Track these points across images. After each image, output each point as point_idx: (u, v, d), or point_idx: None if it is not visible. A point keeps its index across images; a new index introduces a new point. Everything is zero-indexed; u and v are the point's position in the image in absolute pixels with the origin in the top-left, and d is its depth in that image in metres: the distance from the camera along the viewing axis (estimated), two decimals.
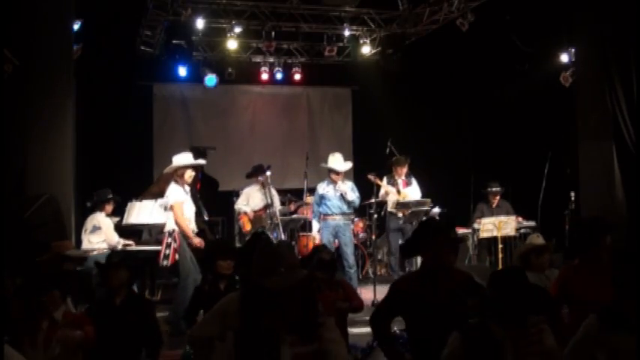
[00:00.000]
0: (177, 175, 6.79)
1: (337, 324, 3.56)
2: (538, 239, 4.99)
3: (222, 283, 4.72)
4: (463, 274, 3.76)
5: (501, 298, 3.00)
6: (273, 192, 8.82)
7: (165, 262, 6.57)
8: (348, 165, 8.47)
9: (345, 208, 8.26)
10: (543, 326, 3.00)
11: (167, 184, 6.96)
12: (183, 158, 6.89)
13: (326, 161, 8.37)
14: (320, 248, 5.04)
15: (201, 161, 7.25)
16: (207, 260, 5.03)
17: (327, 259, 4.71)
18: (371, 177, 8.58)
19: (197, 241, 6.60)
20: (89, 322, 4.05)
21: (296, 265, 2.91)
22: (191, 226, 6.80)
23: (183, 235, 6.62)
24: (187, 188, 6.88)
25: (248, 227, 8.70)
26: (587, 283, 3.99)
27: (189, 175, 6.85)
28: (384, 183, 8.81)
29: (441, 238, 3.68)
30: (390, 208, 8.92)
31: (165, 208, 6.88)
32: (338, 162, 8.29)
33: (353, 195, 8.25)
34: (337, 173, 8.22)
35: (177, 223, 6.63)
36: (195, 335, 3.45)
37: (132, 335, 4.32)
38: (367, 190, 8.82)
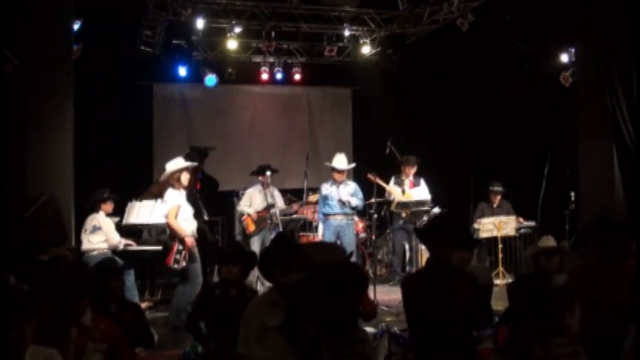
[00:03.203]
0: (173, 179, 6.89)
1: None
2: (548, 241, 4.93)
3: (232, 289, 4.36)
4: (469, 276, 3.58)
5: (533, 310, 2.79)
6: (276, 192, 8.83)
7: (176, 266, 6.68)
8: (351, 165, 8.51)
9: (347, 208, 8.29)
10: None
11: (165, 186, 7.03)
12: (175, 163, 6.99)
13: (329, 161, 8.41)
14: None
15: (192, 163, 7.30)
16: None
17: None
18: (371, 176, 8.59)
19: (190, 241, 6.71)
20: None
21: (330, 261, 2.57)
22: (192, 226, 6.92)
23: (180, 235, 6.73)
24: (184, 192, 6.97)
25: (252, 228, 8.68)
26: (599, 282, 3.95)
27: (185, 177, 6.95)
28: (390, 184, 8.79)
29: (455, 236, 3.55)
30: (392, 207, 8.92)
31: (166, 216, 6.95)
32: (341, 161, 8.34)
33: (357, 201, 8.31)
34: (339, 172, 8.25)
35: (169, 226, 6.75)
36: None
37: None
38: (367, 190, 8.82)
